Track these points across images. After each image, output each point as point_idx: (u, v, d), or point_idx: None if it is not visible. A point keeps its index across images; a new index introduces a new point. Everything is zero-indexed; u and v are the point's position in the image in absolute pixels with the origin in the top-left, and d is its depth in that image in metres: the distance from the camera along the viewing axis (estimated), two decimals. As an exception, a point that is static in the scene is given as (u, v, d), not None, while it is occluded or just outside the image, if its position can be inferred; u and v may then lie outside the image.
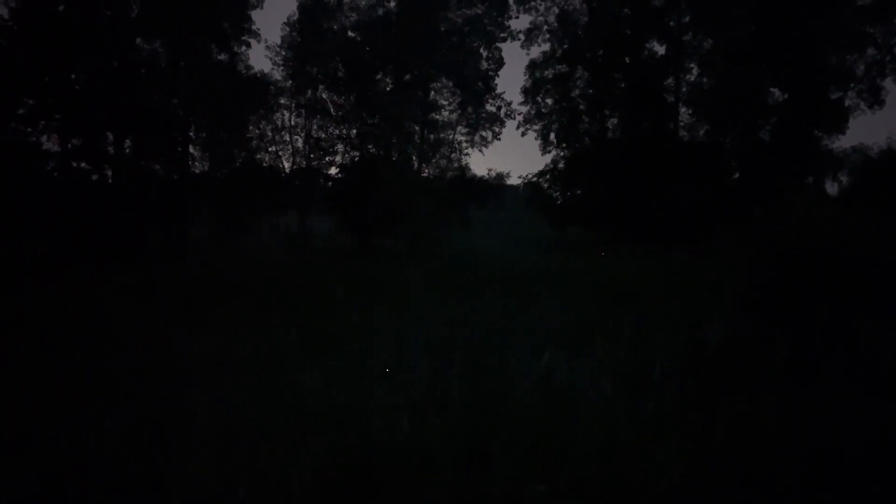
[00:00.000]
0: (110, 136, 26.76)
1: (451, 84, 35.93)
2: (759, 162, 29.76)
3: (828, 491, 4.00)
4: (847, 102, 30.58)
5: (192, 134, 31.26)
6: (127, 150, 27.63)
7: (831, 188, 32.85)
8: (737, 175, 32.48)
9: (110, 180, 27.04)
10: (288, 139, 35.81)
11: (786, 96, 30.50)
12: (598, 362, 6.67)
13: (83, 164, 26.16)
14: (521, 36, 36.27)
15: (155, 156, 28.61)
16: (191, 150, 31.25)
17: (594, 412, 5.23)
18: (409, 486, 4.11)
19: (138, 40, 27.93)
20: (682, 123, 33.78)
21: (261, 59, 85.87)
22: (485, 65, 36.09)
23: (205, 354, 7.14)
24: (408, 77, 34.58)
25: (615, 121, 35.39)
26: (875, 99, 30.27)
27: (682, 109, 33.66)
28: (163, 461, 4.39)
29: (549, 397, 5.68)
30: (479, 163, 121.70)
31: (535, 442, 4.69)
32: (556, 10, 35.77)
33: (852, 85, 30.32)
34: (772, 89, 30.97)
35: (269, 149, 35.82)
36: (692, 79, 33.62)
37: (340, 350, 7.43)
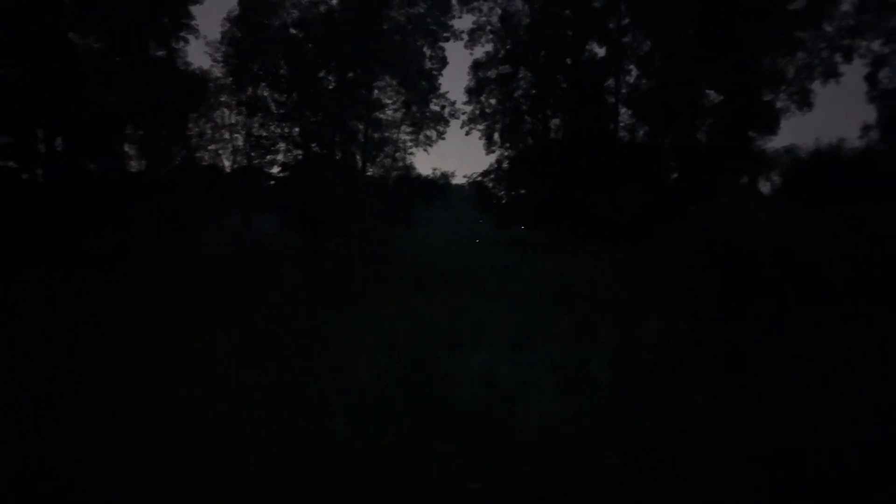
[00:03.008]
0: (40, 134, 25.70)
1: (395, 83, 35.73)
2: (695, 162, 30.60)
3: (764, 483, 4.14)
4: (779, 104, 31.61)
5: (128, 132, 30.23)
6: (59, 149, 26.57)
7: (765, 187, 33.95)
8: (675, 175, 33.29)
9: (41, 180, 25.97)
10: (228, 137, 35.03)
11: (721, 98, 31.41)
12: (540, 359, 6.77)
13: (11, 163, 25.08)
14: (465, 36, 36.39)
15: (90, 154, 27.58)
16: (126, 148, 30.21)
17: (534, 409, 5.30)
18: (348, 486, 4.09)
19: (71, 34, 26.91)
20: (622, 124, 34.39)
21: (200, 55, 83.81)
22: (428, 64, 35.97)
23: (147, 361, 6.96)
24: (351, 75, 34.27)
25: (557, 121, 35.84)
26: (804, 101, 31.40)
27: (623, 110, 34.27)
28: (103, 467, 4.27)
29: (490, 395, 5.74)
30: (425, 162, 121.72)
31: (474, 440, 4.72)
32: (499, 11, 36.02)
33: (783, 87, 31.43)
34: (708, 91, 31.87)
35: (209, 147, 34.96)
36: (632, 80, 34.34)
37: (286, 353, 7.33)
